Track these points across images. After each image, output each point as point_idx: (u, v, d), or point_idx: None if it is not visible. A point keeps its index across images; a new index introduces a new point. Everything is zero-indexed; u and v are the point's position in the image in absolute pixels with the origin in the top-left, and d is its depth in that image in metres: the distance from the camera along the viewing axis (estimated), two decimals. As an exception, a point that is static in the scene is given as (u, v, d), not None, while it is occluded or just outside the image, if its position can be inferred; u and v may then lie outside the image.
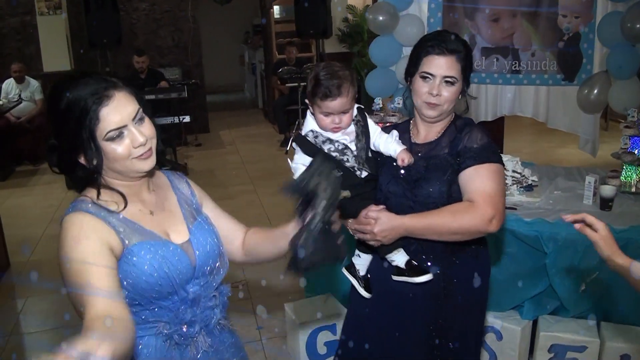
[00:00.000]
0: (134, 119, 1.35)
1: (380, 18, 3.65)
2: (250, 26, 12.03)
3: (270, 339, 3.40)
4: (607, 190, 2.71)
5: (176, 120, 7.55)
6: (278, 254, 1.58)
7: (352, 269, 1.97)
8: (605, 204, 2.73)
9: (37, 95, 7.55)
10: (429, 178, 1.82)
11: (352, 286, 1.99)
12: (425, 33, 3.79)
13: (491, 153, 1.78)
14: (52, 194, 6.18)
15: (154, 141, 1.41)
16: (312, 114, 1.80)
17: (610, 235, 1.46)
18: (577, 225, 1.51)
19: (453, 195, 1.81)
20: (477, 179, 1.76)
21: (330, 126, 1.76)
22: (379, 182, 1.88)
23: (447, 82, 1.79)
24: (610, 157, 3.17)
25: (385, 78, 3.83)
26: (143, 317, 1.40)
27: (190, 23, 8.87)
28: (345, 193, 1.70)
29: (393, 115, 3.12)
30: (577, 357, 2.72)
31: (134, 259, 1.34)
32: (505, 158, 2.95)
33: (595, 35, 3.69)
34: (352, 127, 1.80)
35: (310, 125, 1.81)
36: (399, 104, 3.14)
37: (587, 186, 2.80)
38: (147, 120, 1.39)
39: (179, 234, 1.47)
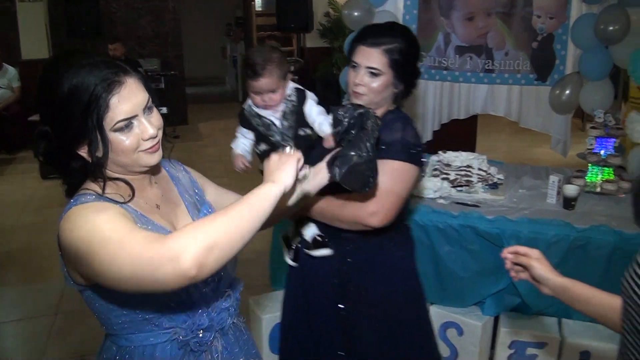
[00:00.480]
0: (144, 108, 1.24)
1: (356, 13, 3.67)
2: (233, 18, 11.98)
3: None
4: (570, 189, 2.75)
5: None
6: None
7: (286, 238, 2.06)
8: (568, 203, 2.77)
9: (14, 83, 7.45)
10: None
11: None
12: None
13: (401, 150, 1.77)
14: (27, 184, 6.12)
15: (161, 132, 1.30)
16: None
17: (544, 258, 1.44)
18: (507, 264, 1.47)
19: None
20: None
21: (261, 103, 1.90)
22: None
23: (371, 73, 1.80)
24: (582, 157, 3.22)
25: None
26: (157, 324, 1.31)
27: (171, 13, 8.82)
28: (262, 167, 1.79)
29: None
30: (537, 353, 2.76)
31: None
32: (471, 156, 2.99)
33: (569, 36, 3.72)
34: (283, 106, 1.94)
35: (250, 100, 1.96)
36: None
37: (550, 185, 2.84)
38: (155, 109, 1.29)
39: None
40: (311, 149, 1.92)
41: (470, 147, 4.14)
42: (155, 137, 1.26)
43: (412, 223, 2.71)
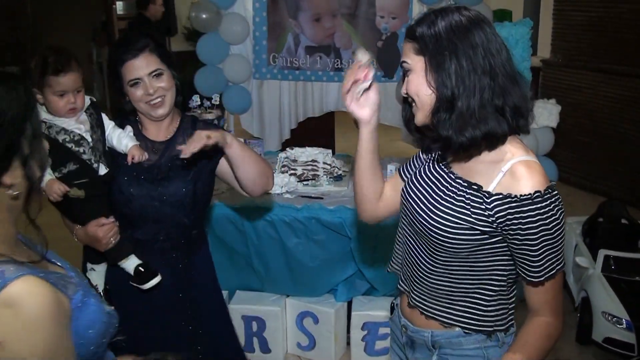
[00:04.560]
0: None
1: (204, 16, 3.67)
2: (99, 23, 11.52)
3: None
4: (406, 177, 2.96)
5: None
6: None
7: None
8: (405, 190, 2.97)
9: None
10: (173, 177, 1.86)
11: None
12: (251, 32, 3.91)
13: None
14: None
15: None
16: (41, 103, 1.72)
17: None
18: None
19: (198, 192, 1.89)
20: None
21: (66, 107, 1.71)
22: (119, 184, 1.84)
23: (155, 76, 1.82)
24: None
25: (214, 76, 3.86)
26: None
27: (30, 19, 8.37)
28: (80, 192, 1.69)
29: (210, 113, 3.18)
30: (387, 332, 2.94)
31: None
32: (316, 151, 3.14)
33: (412, 35, 3.97)
34: (85, 117, 1.78)
35: (40, 115, 1.76)
36: (216, 101, 3.21)
37: (388, 174, 3.03)
38: None
39: None
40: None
41: (328, 143, 4.28)
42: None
43: (260, 219, 2.81)
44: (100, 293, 1.89)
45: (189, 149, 1.63)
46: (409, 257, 1.50)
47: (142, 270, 1.83)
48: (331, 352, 2.97)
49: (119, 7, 8.75)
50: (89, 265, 1.91)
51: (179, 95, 1.93)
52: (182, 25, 7.71)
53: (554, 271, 1.29)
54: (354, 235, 2.74)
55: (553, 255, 1.27)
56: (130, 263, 1.84)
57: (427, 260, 1.42)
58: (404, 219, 1.51)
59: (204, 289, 2.01)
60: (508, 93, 1.27)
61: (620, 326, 2.91)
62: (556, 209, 1.24)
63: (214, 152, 1.83)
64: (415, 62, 1.32)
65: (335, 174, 3.10)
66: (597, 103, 5.42)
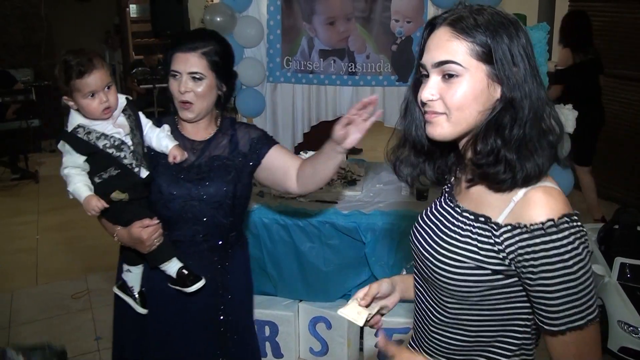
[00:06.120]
0: None
1: (218, 19, 3.67)
2: (111, 26, 11.59)
3: (108, 349, 3.32)
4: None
5: (24, 124, 7.10)
6: None
7: (124, 287, 1.89)
8: (420, 194, 2.95)
9: None
10: (213, 178, 1.85)
11: (118, 304, 1.94)
12: (265, 35, 3.91)
13: (271, 138, 1.98)
14: None
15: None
16: (75, 109, 1.71)
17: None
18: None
19: (238, 194, 1.89)
20: (286, 154, 1.96)
21: (100, 108, 1.67)
22: (158, 184, 1.83)
23: (194, 78, 1.80)
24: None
25: (227, 79, 3.86)
26: None
27: (43, 21, 8.42)
28: (123, 195, 1.66)
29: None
30: (403, 338, 2.92)
31: None
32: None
33: (427, 38, 3.94)
34: (124, 120, 1.75)
35: (76, 120, 1.70)
36: (229, 104, 3.20)
37: (402, 179, 3.00)
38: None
39: None
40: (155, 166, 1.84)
41: (341, 147, 4.26)
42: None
43: (273, 223, 2.79)
44: (135, 295, 1.88)
45: None
46: (418, 309, 1.34)
47: (186, 273, 1.81)
48: (344, 357, 2.95)
49: (133, 10, 8.78)
50: (124, 267, 1.89)
51: (219, 106, 1.93)
52: (195, 28, 7.73)
53: (579, 321, 1.06)
54: (368, 240, 2.72)
55: (576, 299, 1.05)
56: (173, 266, 1.81)
57: (436, 309, 1.26)
58: (414, 264, 1.36)
59: (237, 294, 1.99)
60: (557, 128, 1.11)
61: (636, 335, 2.87)
62: (577, 242, 1.04)
63: (254, 155, 1.88)
64: (472, 68, 1.08)
65: (349, 179, 3.08)
66: (611, 109, 5.37)
